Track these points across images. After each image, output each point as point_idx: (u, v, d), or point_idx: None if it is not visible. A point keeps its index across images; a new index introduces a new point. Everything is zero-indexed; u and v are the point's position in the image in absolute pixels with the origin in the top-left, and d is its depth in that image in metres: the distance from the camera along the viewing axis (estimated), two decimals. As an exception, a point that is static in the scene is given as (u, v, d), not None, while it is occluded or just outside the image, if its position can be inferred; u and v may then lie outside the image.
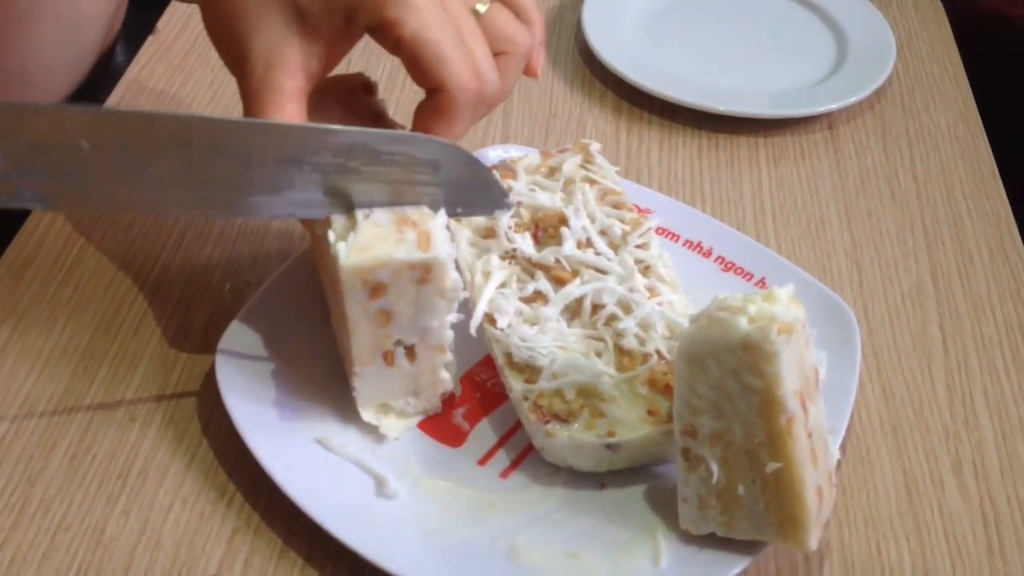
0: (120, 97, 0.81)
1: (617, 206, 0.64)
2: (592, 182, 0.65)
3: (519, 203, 0.63)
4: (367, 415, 0.57)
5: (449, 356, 0.57)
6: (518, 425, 0.58)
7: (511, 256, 0.61)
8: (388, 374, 0.56)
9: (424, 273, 0.52)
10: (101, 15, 0.78)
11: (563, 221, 0.62)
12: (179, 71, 0.84)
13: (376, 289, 0.52)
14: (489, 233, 0.62)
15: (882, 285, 0.70)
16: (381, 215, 0.53)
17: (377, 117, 0.59)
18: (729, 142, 0.81)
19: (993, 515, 0.57)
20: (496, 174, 0.57)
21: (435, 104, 0.53)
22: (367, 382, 0.56)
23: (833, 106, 0.82)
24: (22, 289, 0.66)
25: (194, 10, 0.88)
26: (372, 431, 0.57)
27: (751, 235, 0.73)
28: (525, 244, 0.61)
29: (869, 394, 0.63)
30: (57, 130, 0.49)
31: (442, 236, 0.52)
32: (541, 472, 0.57)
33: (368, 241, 0.51)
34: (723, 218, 0.74)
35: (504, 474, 0.57)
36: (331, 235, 0.52)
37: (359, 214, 0.53)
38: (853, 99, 0.83)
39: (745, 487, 0.50)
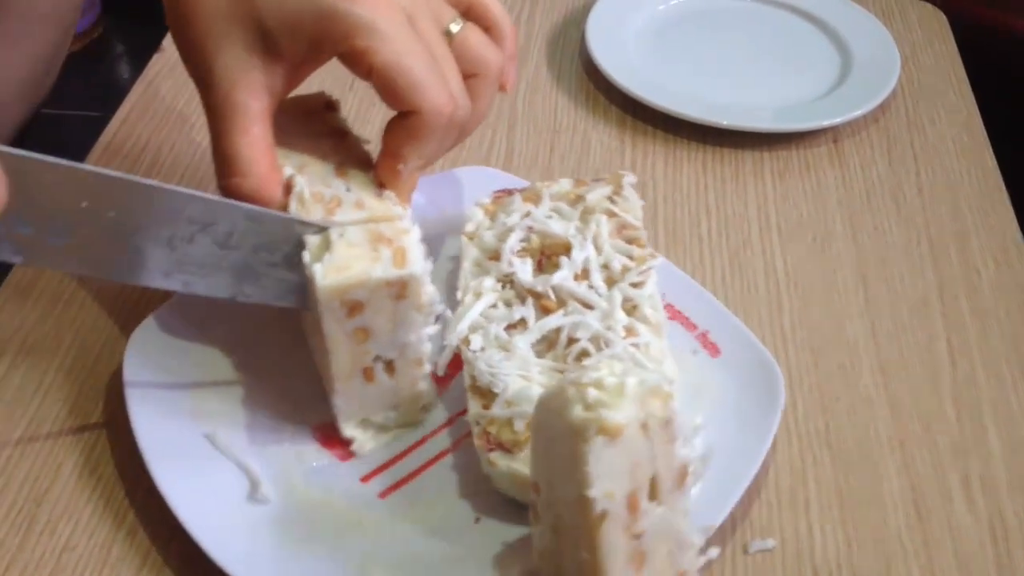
0: (126, 114, 0.81)
1: (631, 241, 0.62)
2: (612, 214, 0.63)
3: (530, 228, 0.62)
4: (348, 430, 0.57)
5: (427, 368, 0.57)
6: (412, 447, 0.58)
7: (508, 280, 0.61)
8: (368, 390, 0.56)
9: (401, 289, 0.52)
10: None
11: (568, 250, 0.61)
12: (184, 88, 0.84)
13: (353, 308, 0.52)
14: (495, 255, 0.61)
15: (888, 299, 0.70)
16: (354, 233, 0.53)
17: (340, 135, 0.58)
18: (734, 156, 0.81)
19: (1002, 530, 0.57)
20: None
21: (408, 126, 0.53)
22: (347, 399, 0.56)
23: (838, 120, 0.82)
24: (28, 308, 0.67)
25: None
26: (261, 433, 0.57)
27: (756, 250, 0.73)
28: (523, 269, 0.60)
29: (877, 409, 0.63)
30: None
31: (417, 251, 0.53)
32: (420, 498, 0.56)
33: (343, 260, 0.52)
34: (728, 233, 0.74)
35: (383, 494, 0.56)
36: (306, 256, 0.52)
37: (333, 233, 0.53)
38: (858, 113, 0.83)
39: (569, 562, 0.48)
